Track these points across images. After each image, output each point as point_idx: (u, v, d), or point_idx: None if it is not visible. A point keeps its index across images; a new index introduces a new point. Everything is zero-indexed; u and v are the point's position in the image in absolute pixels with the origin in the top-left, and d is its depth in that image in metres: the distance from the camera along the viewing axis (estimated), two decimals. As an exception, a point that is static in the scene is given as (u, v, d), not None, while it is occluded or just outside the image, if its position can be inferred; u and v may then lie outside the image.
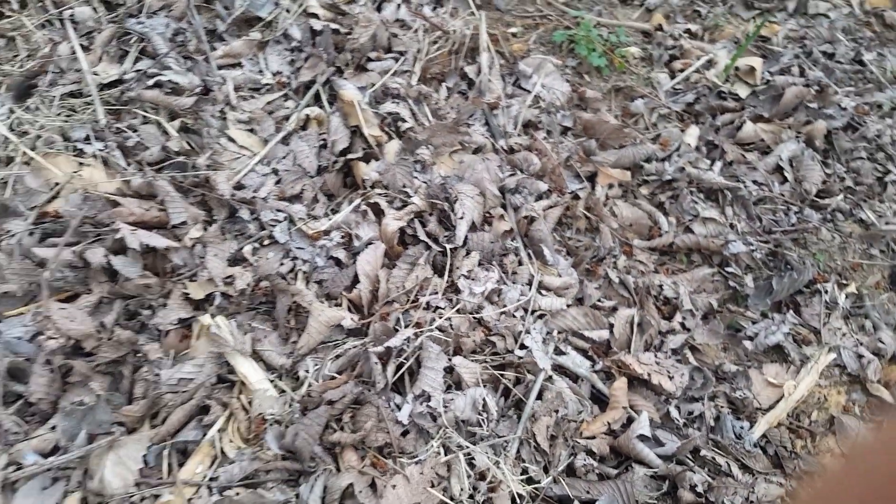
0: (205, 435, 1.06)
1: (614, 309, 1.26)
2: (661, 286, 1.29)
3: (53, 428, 1.05)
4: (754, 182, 1.46)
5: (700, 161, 1.49)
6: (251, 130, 1.44)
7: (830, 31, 1.88)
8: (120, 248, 1.19)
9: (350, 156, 1.38)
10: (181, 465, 1.04)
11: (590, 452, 1.05)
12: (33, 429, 1.05)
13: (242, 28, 1.60)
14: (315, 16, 1.59)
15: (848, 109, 1.65)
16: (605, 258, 1.34)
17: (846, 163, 1.56)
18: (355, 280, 1.20)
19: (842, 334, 1.28)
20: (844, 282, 1.36)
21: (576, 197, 1.41)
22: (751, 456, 1.08)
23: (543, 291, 1.25)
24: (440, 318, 1.15)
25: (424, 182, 1.34)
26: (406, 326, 1.14)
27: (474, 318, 1.18)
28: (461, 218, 1.29)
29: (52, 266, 1.13)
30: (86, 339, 1.10)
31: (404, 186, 1.33)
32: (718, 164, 1.49)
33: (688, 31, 1.83)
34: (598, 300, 1.27)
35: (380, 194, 1.30)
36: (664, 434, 1.09)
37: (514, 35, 1.72)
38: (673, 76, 1.69)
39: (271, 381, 1.10)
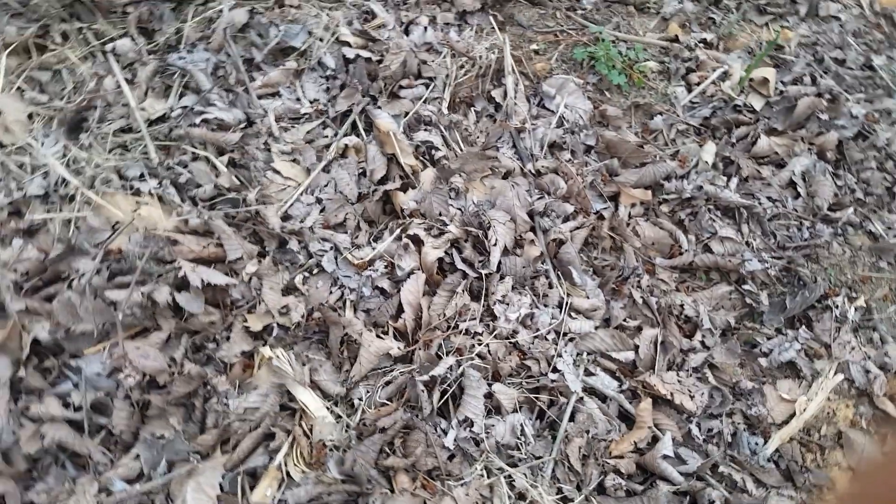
0: (271, 460, 1.10)
1: (639, 329, 1.27)
2: (682, 305, 1.30)
3: (137, 457, 1.10)
4: (769, 198, 1.45)
5: (717, 178, 1.47)
6: (294, 161, 1.43)
7: (841, 36, 1.81)
8: (183, 285, 1.21)
9: (388, 185, 1.37)
10: (252, 488, 1.09)
11: (618, 472, 1.08)
12: (118, 458, 1.10)
13: (278, 57, 1.57)
14: (347, 44, 1.56)
15: (858, 118, 1.61)
16: (629, 278, 1.35)
17: (857, 173, 1.53)
18: (400, 309, 1.22)
19: (851, 348, 1.28)
20: (854, 295, 1.36)
21: (601, 217, 1.41)
22: (764, 471, 1.11)
23: (573, 314, 1.27)
24: (479, 344, 1.18)
25: (459, 209, 1.34)
26: (448, 353, 1.17)
27: (510, 342, 1.20)
28: (494, 244, 1.29)
29: (123, 307, 1.16)
30: (159, 374, 1.14)
31: (440, 215, 1.33)
32: (735, 181, 1.47)
33: (703, 41, 1.77)
34: (624, 320, 1.28)
35: (418, 224, 1.31)
36: (686, 451, 1.12)
37: (536, 53, 1.68)
38: (690, 89, 1.65)
39: (328, 409, 1.14)
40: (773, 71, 1.67)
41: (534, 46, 1.70)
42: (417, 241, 1.29)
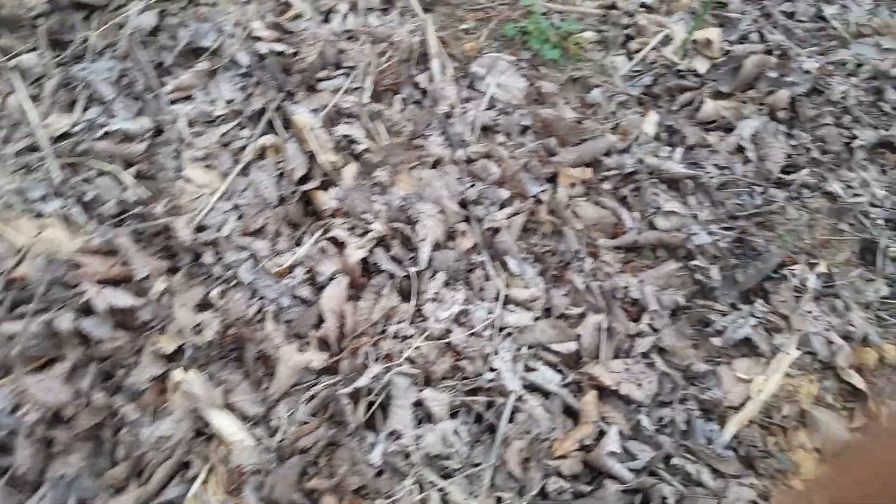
0: (188, 490, 1.02)
1: (583, 316, 1.18)
2: (626, 287, 1.21)
3: (43, 497, 1.01)
4: (716, 166, 1.35)
5: (660, 149, 1.38)
6: (209, 166, 1.34)
7: (791, -13, 1.71)
8: (88, 310, 1.12)
9: (308, 185, 1.28)
10: (169, 522, 1.01)
11: (561, 474, 0.99)
12: (25, 501, 1.02)
13: (190, 59, 1.47)
14: (261, 38, 1.46)
15: (811, 72, 1.52)
16: (571, 262, 1.26)
17: (812, 131, 1.44)
18: (322, 317, 1.13)
19: (813, 318, 1.19)
20: (814, 261, 1.27)
21: (538, 201, 1.32)
22: (722, 459, 1.02)
23: (511, 306, 1.18)
24: (409, 348, 1.09)
25: (384, 205, 1.25)
26: (376, 360, 1.08)
27: (443, 343, 1.11)
28: (423, 240, 1.20)
29: (22, 339, 1.07)
30: (64, 407, 1.05)
31: (364, 212, 1.24)
32: (679, 151, 1.38)
33: (643, 4, 1.67)
34: (566, 308, 1.19)
35: (340, 224, 1.22)
36: (635, 445, 1.03)
37: (466, 32, 1.58)
38: (630, 58, 1.55)
39: (247, 431, 1.05)
40: (718, 31, 1.57)
41: (464, 25, 1.60)
42: (339, 243, 1.19)
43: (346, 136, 1.33)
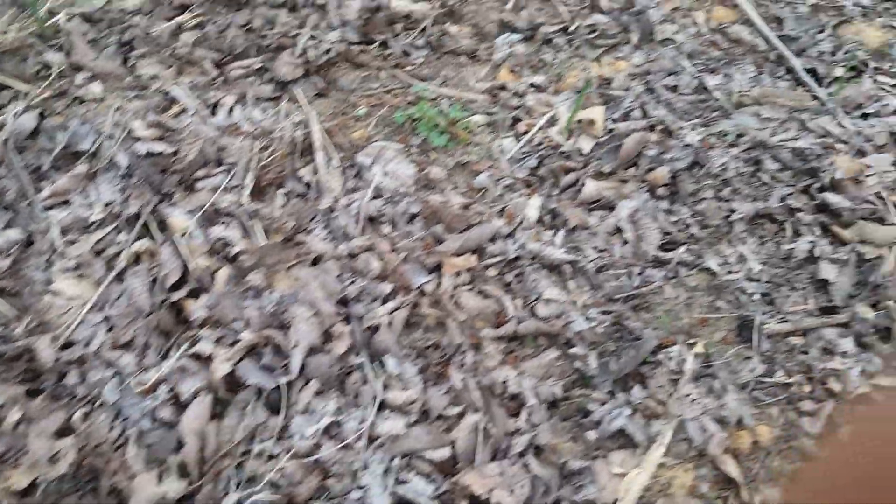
0: None
1: (461, 416, 1.16)
2: (505, 382, 1.20)
3: None
4: (595, 248, 1.37)
5: (542, 234, 1.39)
6: (81, 276, 1.30)
7: (674, 60, 1.77)
8: (-65, 447, 1.06)
9: (180, 291, 1.25)
10: None
11: None
12: None
13: (70, 161, 1.45)
14: (140, 138, 1.45)
15: (692, 145, 1.56)
16: (453, 356, 1.24)
17: (692, 206, 1.47)
18: (182, 440, 1.09)
19: (690, 402, 1.20)
20: (692, 341, 1.28)
21: (422, 293, 1.31)
22: (592, 570, 1.00)
23: (386, 412, 1.15)
24: (272, 469, 1.05)
25: (257, 310, 1.22)
26: (238, 485, 1.04)
27: (310, 460, 1.08)
28: (294, 347, 1.17)
29: None
30: None
31: (234, 320, 1.21)
32: (561, 234, 1.39)
33: (533, 84, 1.71)
34: (445, 409, 1.17)
35: (208, 335, 1.18)
36: (506, 560, 1.00)
37: (356, 120, 1.59)
38: (518, 139, 1.58)
39: (98, 574, 0.99)
40: (602, 109, 1.62)
41: (357, 111, 1.61)
42: (205, 357, 1.16)
43: (220, 238, 1.31)
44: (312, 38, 1.83)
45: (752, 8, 1.91)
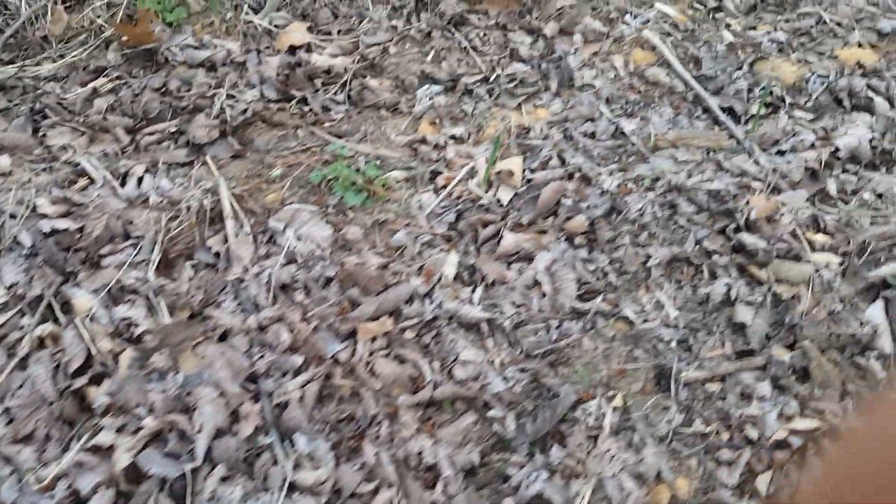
0: None
1: (375, 492, 1.17)
2: (420, 453, 1.20)
3: None
4: (513, 303, 1.40)
5: (460, 291, 1.42)
6: (-21, 366, 1.29)
7: (592, 106, 1.84)
8: None
9: (83, 377, 1.24)
10: None
11: None
12: None
13: (-30, 243, 1.44)
14: (46, 215, 1.45)
15: (610, 192, 1.61)
16: (368, 428, 1.25)
17: (609, 253, 1.52)
18: (80, 540, 1.07)
19: (610, 457, 1.22)
20: (611, 394, 1.31)
21: (336, 362, 1.32)
22: None
23: (296, 495, 1.15)
24: (172, 566, 1.04)
25: (161, 394, 1.22)
26: (134, 586, 1.02)
27: (213, 552, 1.07)
28: (199, 431, 1.17)
29: None
30: None
31: (137, 405, 1.20)
32: (479, 291, 1.42)
33: (453, 136, 1.76)
34: (358, 486, 1.17)
35: (109, 424, 1.17)
36: None
37: (271, 182, 1.61)
38: (437, 193, 1.62)
39: None
40: (520, 159, 1.67)
41: (273, 172, 1.64)
42: (104, 448, 1.15)
43: (124, 318, 1.31)
44: (230, 97, 1.86)
45: (669, 50, 2.01)
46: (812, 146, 1.75)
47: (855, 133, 1.76)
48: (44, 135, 1.69)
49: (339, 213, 1.56)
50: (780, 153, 1.75)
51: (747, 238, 1.51)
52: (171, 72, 1.95)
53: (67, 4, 2.16)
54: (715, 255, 1.50)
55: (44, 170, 1.60)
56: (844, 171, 1.71)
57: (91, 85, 1.88)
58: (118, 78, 1.92)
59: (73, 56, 2.00)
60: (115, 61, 1.97)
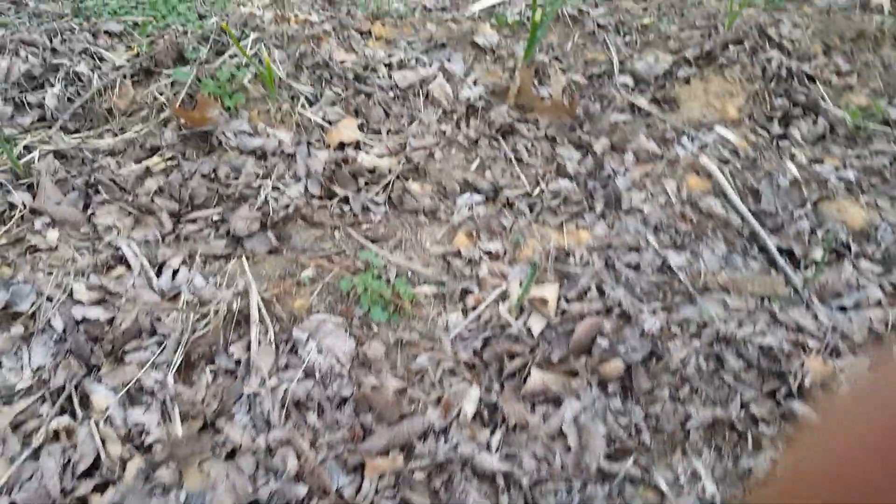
0: None
1: None
2: None
3: None
4: (534, 455, 1.36)
5: (479, 432, 1.39)
6: (-8, 453, 1.33)
7: (638, 234, 1.83)
8: None
9: (89, 482, 1.27)
10: None
11: None
12: None
13: (7, 322, 1.52)
14: (80, 301, 1.52)
15: (651, 334, 1.58)
16: (363, 576, 1.22)
17: (646, 406, 1.47)
18: None
19: None
20: (629, 574, 1.24)
21: (340, 496, 1.30)
22: None
23: None
24: None
25: (159, 513, 1.23)
26: None
27: None
28: (190, 561, 1.17)
29: None
30: None
31: (134, 523, 1.21)
32: (498, 435, 1.39)
33: (489, 252, 1.78)
34: None
35: (102, 541, 1.19)
36: None
37: (302, 285, 1.65)
38: (466, 314, 1.62)
39: None
40: (555, 287, 1.66)
41: (305, 274, 1.68)
42: (92, 568, 1.16)
43: (137, 424, 1.34)
44: (276, 188, 1.94)
45: (726, 179, 1.99)
46: (878, 303, 1.68)
47: (926, 294, 1.68)
48: (93, 213, 1.80)
49: (364, 326, 1.58)
50: (842, 309, 1.68)
51: (799, 407, 1.44)
52: (223, 156, 2.06)
53: (136, 79, 2.33)
54: (762, 424, 1.43)
55: (87, 249, 1.70)
56: (913, 335, 1.62)
57: (145, 163, 2.00)
58: (171, 158, 2.04)
59: (134, 132, 2.15)
60: (171, 140, 2.09)
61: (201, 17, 2.80)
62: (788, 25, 2.72)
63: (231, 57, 2.36)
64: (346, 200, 1.91)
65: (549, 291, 1.64)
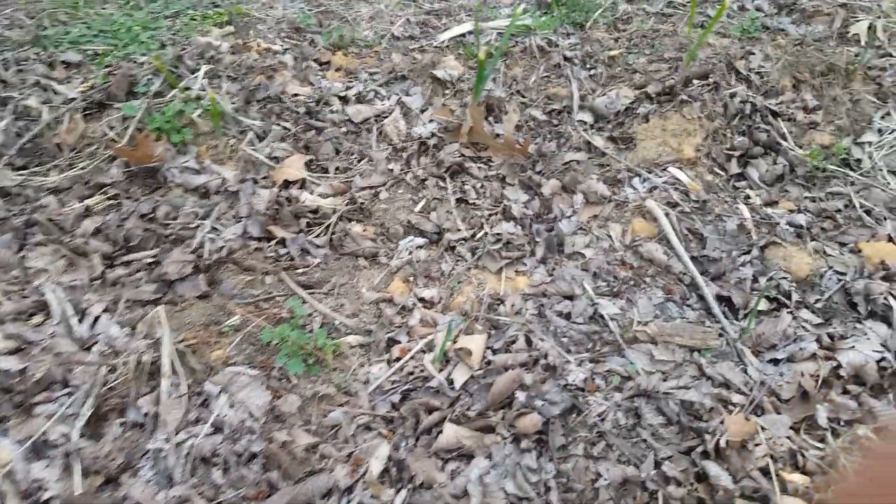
0: None
1: None
2: None
3: None
4: (436, 517, 1.39)
5: (383, 491, 1.42)
6: None
7: (574, 281, 1.86)
8: None
9: (-17, 537, 1.32)
10: None
11: None
12: None
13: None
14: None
15: (574, 386, 1.60)
16: None
17: (558, 463, 1.49)
18: None
19: None
20: None
21: (237, 555, 1.34)
22: None
23: None
24: None
25: (50, 571, 1.27)
26: None
27: None
28: None
29: None
30: None
31: (23, 583, 1.25)
32: (403, 494, 1.42)
33: (423, 299, 1.82)
34: None
35: None
36: None
37: (223, 334, 1.70)
38: (391, 365, 1.66)
39: None
40: (482, 338, 1.69)
41: (231, 321, 1.73)
42: None
43: (37, 480, 1.38)
44: (214, 229, 2.00)
45: (670, 223, 2.02)
46: (813, 356, 1.69)
47: (864, 348, 1.69)
48: (24, 256, 1.86)
49: (283, 378, 1.62)
50: (775, 361, 1.69)
51: (712, 468, 1.45)
52: (167, 194, 2.12)
53: (89, 112, 2.41)
54: (672, 485, 1.45)
55: (15, 294, 1.76)
56: (845, 391, 1.63)
57: (86, 202, 2.07)
58: (114, 197, 2.11)
59: (80, 168, 2.22)
60: (117, 177, 2.16)
61: (163, 45, 2.89)
62: (759, 57, 2.75)
63: (183, 90, 2.43)
64: (283, 243, 1.96)
65: (476, 343, 1.67)
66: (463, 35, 3.05)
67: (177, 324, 1.72)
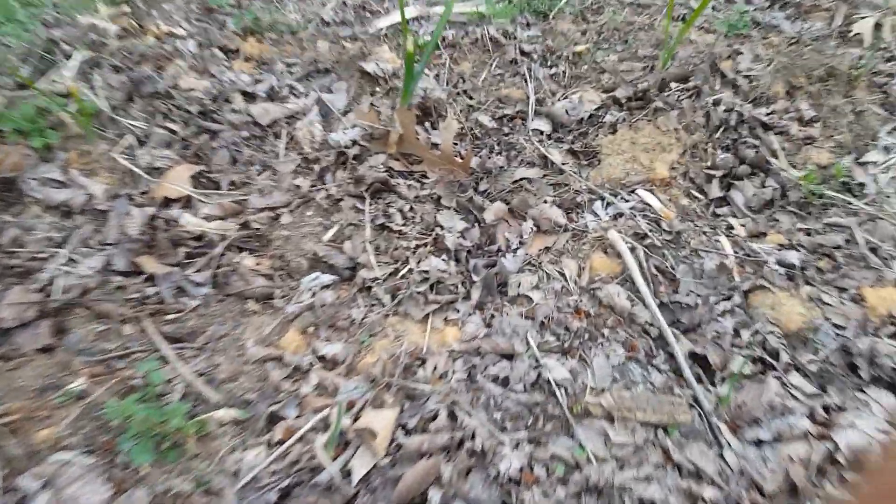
0: None
1: None
2: None
3: None
4: None
5: None
6: None
7: (516, 334, 1.60)
8: None
9: None
10: None
11: None
12: None
13: None
14: None
15: (506, 477, 1.35)
16: None
17: (480, 586, 1.24)
18: None
19: None
20: None
21: None
22: None
23: None
24: None
25: None
26: None
27: None
28: None
29: None
30: None
31: None
32: None
33: (323, 357, 1.54)
34: None
35: None
36: None
37: (60, 405, 1.41)
38: (271, 450, 1.38)
39: None
40: (392, 414, 1.43)
41: (73, 386, 1.44)
42: None
43: None
44: (70, 260, 1.71)
45: (636, 261, 1.78)
46: (804, 436, 1.47)
47: (865, 425, 1.47)
48: None
49: (128, 467, 1.34)
50: (758, 443, 1.46)
51: None
52: (23, 212, 1.81)
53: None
54: None
55: None
56: (842, 481, 1.41)
57: (-86, 223, 1.76)
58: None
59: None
60: (-41, 190, 1.85)
61: (46, 25, 2.56)
62: (748, 58, 2.54)
63: (53, 81, 2.13)
64: (152, 280, 1.67)
65: (383, 420, 1.40)
66: (409, 22, 2.79)
67: (4, 387, 1.43)
